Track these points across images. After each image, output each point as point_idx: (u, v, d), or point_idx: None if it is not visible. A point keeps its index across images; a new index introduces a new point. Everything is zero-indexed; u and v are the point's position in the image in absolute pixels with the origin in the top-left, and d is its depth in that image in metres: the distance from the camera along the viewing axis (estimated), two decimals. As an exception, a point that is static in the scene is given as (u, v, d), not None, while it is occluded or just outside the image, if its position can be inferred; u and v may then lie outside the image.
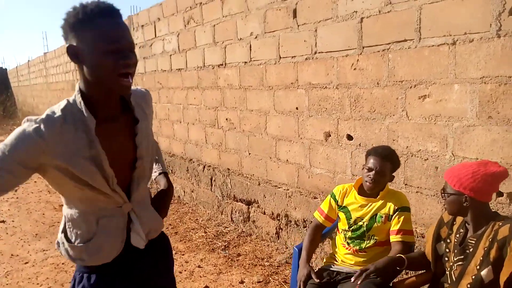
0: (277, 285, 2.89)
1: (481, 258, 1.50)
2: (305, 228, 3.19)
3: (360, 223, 2.01)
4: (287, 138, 3.28)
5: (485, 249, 1.49)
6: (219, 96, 4.08)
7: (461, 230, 1.67)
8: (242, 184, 3.88)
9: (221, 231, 3.95)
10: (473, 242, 1.56)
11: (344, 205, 2.09)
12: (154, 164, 1.50)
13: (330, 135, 2.90)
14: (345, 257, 2.06)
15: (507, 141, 1.91)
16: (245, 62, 3.65)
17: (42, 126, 1.05)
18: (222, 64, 3.97)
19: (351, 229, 2.03)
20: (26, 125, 1.06)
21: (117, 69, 1.05)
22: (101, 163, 1.13)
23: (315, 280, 1.94)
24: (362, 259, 2.00)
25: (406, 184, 2.42)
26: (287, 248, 3.38)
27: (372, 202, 2.01)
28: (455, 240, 1.66)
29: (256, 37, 3.48)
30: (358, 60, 2.61)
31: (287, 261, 3.20)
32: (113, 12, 1.06)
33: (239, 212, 3.98)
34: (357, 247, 2.02)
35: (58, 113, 1.10)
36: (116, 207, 1.23)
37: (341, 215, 2.09)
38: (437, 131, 2.21)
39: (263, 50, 3.42)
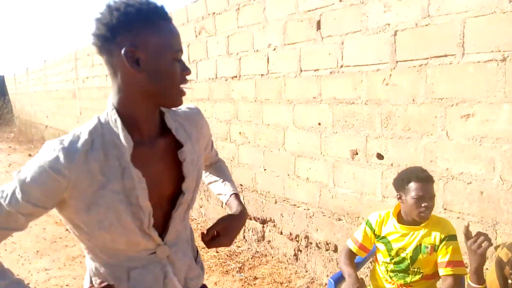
0: (300, 313, 2.70)
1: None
2: (327, 252, 3.00)
3: (403, 254, 1.83)
4: (308, 154, 3.12)
5: None
6: (232, 108, 3.92)
7: None
8: (257, 201, 3.69)
9: (233, 251, 3.76)
10: None
11: (383, 235, 1.91)
12: (223, 185, 1.30)
13: (357, 153, 2.73)
14: (390, 291, 1.88)
15: None
16: (262, 75, 3.49)
17: (62, 158, 0.85)
18: (236, 76, 3.81)
19: (393, 261, 1.86)
20: (45, 156, 0.86)
21: (182, 79, 0.94)
22: (136, 197, 0.92)
23: None
24: (408, 294, 1.83)
25: (445, 209, 2.25)
26: (307, 271, 3.19)
27: (415, 230, 1.83)
28: None
29: (274, 49, 3.33)
30: (390, 75, 2.46)
31: (308, 287, 3.01)
32: (167, 14, 0.92)
33: (253, 231, 3.79)
34: (402, 281, 1.84)
35: (85, 137, 0.90)
36: (147, 254, 1.00)
37: (381, 246, 1.91)
38: (483, 153, 2.05)
39: (282, 63, 3.26)
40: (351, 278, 1.81)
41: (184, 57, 1.00)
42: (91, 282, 1.04)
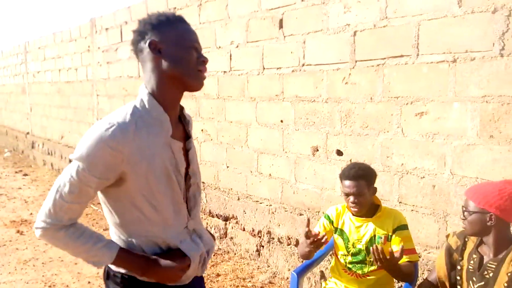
0: (263, 308, 2.73)
1: (505, 284, 1.44)
2: (289, 246, 3.06)
3: (359, 246, 1.91)
4: (271, 151, 3.16)
5: (509, 274, 1.44)
6: (194, 105, 3.89)
7: (474, 256, 1.61)
8: (219, 198, 3.69)
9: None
10: (493, 266, 1.50)
11: (339, 227, 1.98)
12: None
13: (318, 150, 2.80)
14: (348, 283, 1.95)
15: (509, 161, 1.90)
16: (225, 72, 3.49)
17: (117, 136, 1.02)
18: (198, 73, 3.77)
19: (350, 253, 1.93)
20: (101, 134, 1.02)
21: (199, 63, 1.13)
22: (176, 164, 1.13)
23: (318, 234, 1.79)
24: (366, 283, 1.91)
25: (400, 202, 2.37)
26: (269, 266, 3.23)
27: (368, 222, 1.91)
28: (470, 267, 1.60)
29: (237, 46, 3.34)
30: (350, 74, 2.54)
31: (270, 281, 3.05)
32: (186, 21, 1.17)
33: (215, 228, 3.78)
34: (360, 272, 1.91)
35: (129, 118, 1.07)
36: (183, 228, 1.20)
37: (339, 239, 1.98)
38: (435, 149, 2.18)
39: (245, 60, 3.28)
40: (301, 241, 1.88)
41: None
42: None
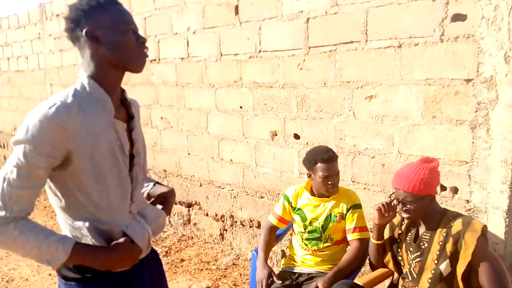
0: (227, 289, 2.82)
1: (438, 253, 1.59)
2: (251, 228, 3.15)
3: (316, 224, 2.02)
4: (231, 137, 3.21)
5: (440, 243, 1.58)
6: (153, 93, 3.85)
7: (411, 229, 1.75)
8: (181, 185, 3.71)
9: (159, 236, 3.75)
10: (428, 237, 1.64)
11: (298, 207, 2.08)
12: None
13: (276, 134, 2.88)
14: (304, 258, 2.06)
15: (450, 139, 2.06)
16: (182, 58, 3.47)
17: (61, 113, 1.02)
18: (155, 60, 3.73)
19: (307, 230, 2.04)
20: (44, 113, 1.01)
21: (139, 45, 1.14)
22: (122, 147, 1.15)
23: (277, 282, 1.91)
24: (321, 258, 2.02)
25: (353, 181, 2.50)
26: (232, 249, 3.31)
27: (325, 202, 2.03)
28: (407, 238, 1.74)
29: (194, 33, 3.33)
30: (304, 60, 2.62)
31: (234, 263, 3.14)
32: (117, 1, 1.15)
33: (178, 215, 3.81)
34: (315, 247, 2.03)
35: (71, 99, 1.07)
36: (127, 212, 1.20)
37: (297, 217, 2.08)
38: (384, 130, 2.31)
39: (202, 46, 3.28)
40: (259, 263, 1.99)
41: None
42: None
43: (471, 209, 2.03)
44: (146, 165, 1.32)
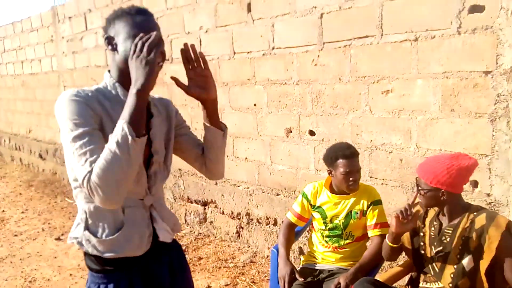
0: (246, 286, 2.83)
1: (460, 248, 1.57)
2: (268, 226, 3.16)
3: (336, 221, 2.01)
4: (246, 135, 3.21)
5: (463, 238, 1.57)
6: (166, 93, 3.87)
7: (435, 223, 1.73)
8: (197, 184, 3.74)
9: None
10: (450, 232, 1.63)
11: (318, 205, 2.08)
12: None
13: (291, 131, 2.88)
14: (325, 255, 2.05)
15: (469, 132, 2.04)
16: (195, 58, 3.48)
17: (79, 93, 1.10)
18: (168, 59, 3.75)
19: (327, 227, 2.03)
20: (65, 98, 1.09)
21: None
22: None
23: (299, 279, 1.91)
24: (342, 255, 2.02)
25: (371, 177, 2.49)
26: (249, 247, 3.33)
27: (346, 199, 2.02)
28: (431, 233, 1.73)
29: (206, 31, 3.34)
30: (319, 56, 2.61)
31: (251, 261, 3.15)
32: (145, 11, 1.18)
33: (194, 214, 3.84)
34: (336, 244, 2.02)
35: (91, 90, 1.15)
36: (138, 199, 1.23)
37: (316, 214, 2.08)
38: (401, 125, 2.29)
39: (215, 45, 3.29)
40: (281, 260, 1.98)
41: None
42: (86, 222, 1.21)
43: (492, 202, 2.01)
44: (169, 164, 1.32)
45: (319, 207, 2.06)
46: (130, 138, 1.00)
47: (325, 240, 2.05)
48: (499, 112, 1.92)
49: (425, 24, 2.10)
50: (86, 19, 4.85)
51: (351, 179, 1.94)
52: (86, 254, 1.24)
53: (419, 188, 1.63)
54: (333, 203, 2.03)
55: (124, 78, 1.17)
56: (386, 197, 2.42)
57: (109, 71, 1.22)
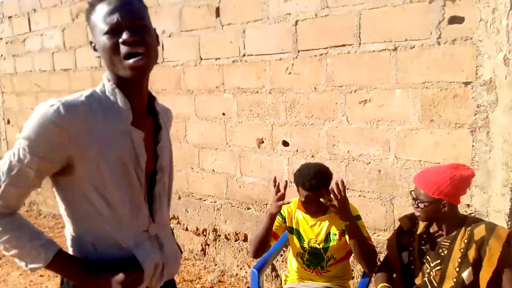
0: (216, 308, 2.63)
1: (459, 260, 1.52)
2: (237, 242, 2.99)
3: (315, 245, 1.87)
4: (213, 146, 3.04)
5: (462, 250, 1.52)
6: (123, 101, 3.60)
7: (424, 236, 1.68)
8: (157, 199, 3.48)
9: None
10: (447, 244, 1.58)
11: (294, 227, 1.94)
12: None
13: (263, 142, 2.76)
14: (310, 277, 1.93)
15: (449, 143, 2.03)
16: (157, 63, 3.26)
17: (62, 113, 0.92)
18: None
19: (307, 252, 1.90)
20: (45, 112, 0.92)
21: (117, 50, 0.95)
22: (137, 158, 1.01)
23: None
24: (326, 276, 1.90)
25: (348, 189, 2.42)
26: (216, 265, 3.13)
27: (321, 220, 1.87)
28: (422, 247, 1.67)
29: (170, 36, 3.14)
30: (293, 64, 2.53)
31: (220, 280, 2.96)
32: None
33: (154, 231, 3.57)
34: (318, 268, 1.90)
35: (82, 99, 0.97)
36: (141, 231, 1.06)
37: (293, 238, 1.94)
38: (380, 135, 2.26)
39: (179, 50, 3.10)
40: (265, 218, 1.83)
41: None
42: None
43: (472, 213, 2.01)
44: (171, 185, 1.16)
45: (296, 230, 1.92)
46: (34, 265, 0.96)
47: (306, 264, 1.92)
48: (479, 123, 1.93)
49: (404, 34, 2.09)
50: (30, 20, 4.44)
51: (310, 209, 1.82)
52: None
53: (418, 200, 1.56)
54: (309, 225, 1.89)
55: (119, 81, 1.02)
56: (363, 209, 2.36)
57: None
